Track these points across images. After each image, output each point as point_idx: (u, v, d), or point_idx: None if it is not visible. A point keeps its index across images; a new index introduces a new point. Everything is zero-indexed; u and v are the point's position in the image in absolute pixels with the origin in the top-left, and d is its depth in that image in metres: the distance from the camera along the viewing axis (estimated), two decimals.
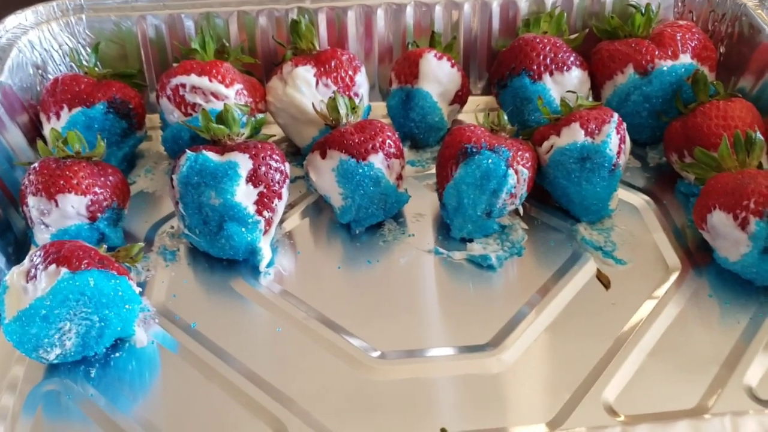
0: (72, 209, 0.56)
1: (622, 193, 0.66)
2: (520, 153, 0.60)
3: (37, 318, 0.49)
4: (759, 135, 0.58)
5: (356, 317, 0.56)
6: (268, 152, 0.59)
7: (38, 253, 0.51)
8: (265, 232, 0.59)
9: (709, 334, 0.54)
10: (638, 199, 0.66)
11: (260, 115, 0.63)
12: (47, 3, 0.71)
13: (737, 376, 0.51)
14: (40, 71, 0.69)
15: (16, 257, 0.60)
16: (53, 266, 0.50)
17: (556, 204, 0.65)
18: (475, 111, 0.71)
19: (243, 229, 0.58)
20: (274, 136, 0.65)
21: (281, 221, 0.64)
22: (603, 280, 0.59)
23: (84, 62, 0.69)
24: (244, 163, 0.57)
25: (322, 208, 0.66)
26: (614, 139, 0.60)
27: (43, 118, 0.66)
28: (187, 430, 0.49)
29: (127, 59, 0.73)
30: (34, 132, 0.67)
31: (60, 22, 0.71)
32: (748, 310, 0.56)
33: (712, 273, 0.59)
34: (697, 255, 0.60)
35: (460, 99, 0.71)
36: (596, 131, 0.60)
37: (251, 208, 0.58)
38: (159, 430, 0.49)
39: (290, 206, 0.66)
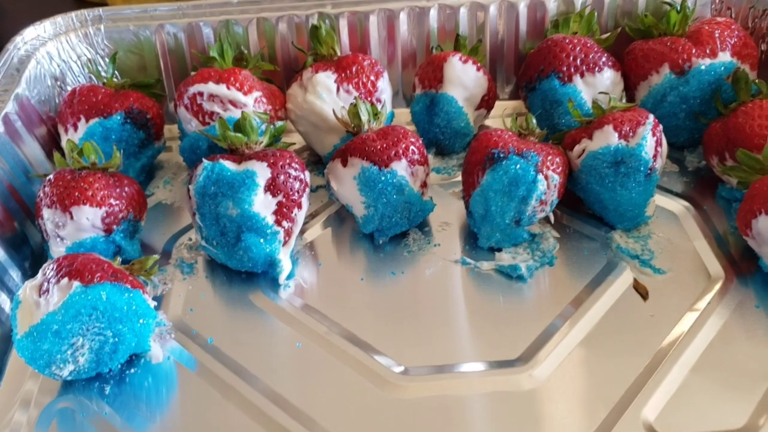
0: (87, 221, 0.55)
1: (660, 199, 0.63)
2: (550, 158, 0.57)
3: (48, 333, 0.47)
4: None
5: (380, 332, 0.53)
6: (287, 160, 0.57)
7: (51, 266, 0.50)
8: (285, 243, 0.57)
9: (756, 348, 0.50)
10: (677, 205, 0.63)
11: (279, 123, 0.61)
12: (66, 14, 0.70)
13: None
14: (58, 83, 0.68)
15: (32, 271, 0.59)
16: (65, 280, 0.48)
17: (590, 211, 0.61)
18: (502, 116, 0.69)
19: (261, 240, 0.56)
20: (294, 144, 0.63)
21: (302, 232, 0.62)
22: (640, 290, 0.55)
23: (102, 73, 0.68)
24: (262, 172, 0.56)
25: (345, 218, 0.64)
26: (650, 141, 0.57)
27: (61, 129, 0.65)
28: None
29: (146, 69, 0.72)
30: (51, 144, 0.65)
31: (78, 33, 0.70)
32: None
33: (758, 282, 0.55)
34: (742, 264, 0.57)
35: (486, 104, 0.68)
36: (631, 134, 0.57)
37: (270, 219, 0.56)
38: None
39: (311, 216, 0.64)
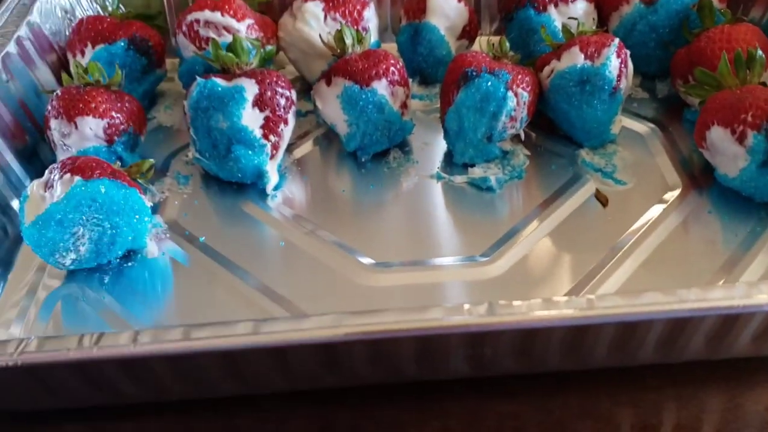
0: (90, 131, 0.60)
1: (628, 122, 0.67)
2: (520, 77, 0.61)
3: (52, 222, 0.52)
4: (760, 52, 0.58)
5: (358, 233, 0.58)
6: (274, 78, 0.61)
7: (56, 166, 0.55)
8: (272, 156, 0.62)
9: (705, 247, 0.54)
10: (644, 128, 0.66)
11: (270, 47, 0.65)
12: None
13: (731, 281, 0.51)
14: (68, 15, 0.73)
15: None
16: (68, 175, 0.53)
17: (560, 132, 0.65)
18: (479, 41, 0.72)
19: (250, 152, 0.60)
20: (283, 68, 0.67)
21: (291, 150, 0.66)
22: (601, 198, 0.59)
23: (108, 6, 0.73)
24: (250, 88, 0.60)
25: (332, 139, 0.68)
26: (614, 62, 0.60)
27: (69, 56, 0.70)
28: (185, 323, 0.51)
29: (150, 6, 0.76)
30: (61, 71, 0.70)
31: None
32: (747, 224, 0.56)
33: (714, 192, 0.59)
34: (700, 177, 0.61)
35: (468, 34, 0.72)
36: (596, 54, 0.61)
37: (258, 132, 0.60)
38: (173, 326, 0.51)
39: (301, 137, 0.68)
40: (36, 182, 0.55)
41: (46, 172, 0.55)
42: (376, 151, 0.65)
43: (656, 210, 0.57)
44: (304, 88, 0.74)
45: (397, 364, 0.43)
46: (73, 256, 0.54)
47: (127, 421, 0.46)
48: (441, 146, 0.66)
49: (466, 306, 0.40)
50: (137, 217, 0.55)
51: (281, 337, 0.37)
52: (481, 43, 0.76)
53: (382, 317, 0.39)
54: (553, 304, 0.40)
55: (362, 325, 0.38)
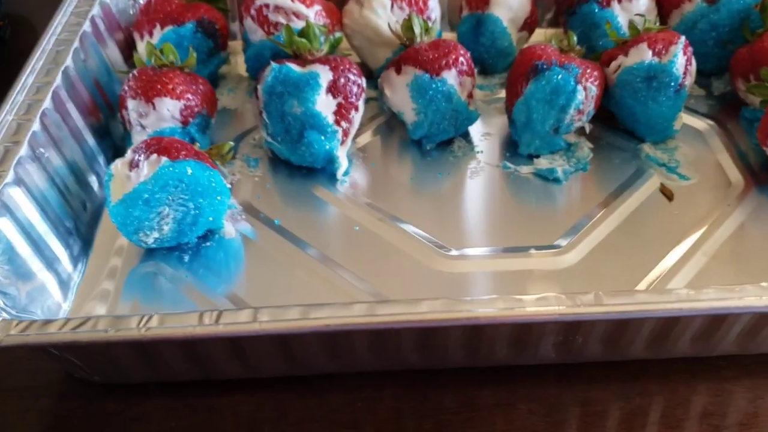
0: (167, 112, 0.61)
1: (687, 118, 0.68)
2: (588, 71, 0.62)
3: (139, 201, 0.53)
4: None
5: (428, 220, 0.59)
6: (347, 66, 0.62)
7: (140, 146, 0.56)
8: (343, 142, 0.63)
9: None
10: (702, 124, 0.68)
11: (338, 34, 0.66)
12: None
13: None
14: None
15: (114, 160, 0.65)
16: (155, 155, 0.54)
17: (622, 127, 0.67)
18: (545, 37, 0.73)
19: (322, 138, 0.61)
20: (350, 54, 0.68)
21: (354, 138, 0.68)
22: (666, 192, 0.61)
23: None
24: (324, 74, 0.61)
25: (394, 127, 0.69)
26: (681, 59, 0.62)
27: (136, 36, 0.70)
28: (269, 302, 0.52)
29: None
30: (128, 51, 0.71)
31: None
32: None
33: None
34: (761, 174, 0.62)
35: (529, 26, 0.73)
36: (663, 51, 0.62)
37: (330, 118, 0.61)
38: (245, 303, 0.53)
39: (362, 125, 0.69)
40: (120, 161, 0.56)
41: (129, 151, 0.56)
42: (442, 139, 0.66)
43: (720, 205, 0.59)
44: (366, 75, 0.75)
45: (491, 348, 0.44)
46: (156, 234, 0.55)
47: (223, 396, 0.48)
48: (503, 136, 0.67)
49: (567, 296, 0.41)
50: (219, 198, 0.56)
51: (397, 318, 0.39)
52: (538, 35, 0.78)
53: (492, 305, 0.40)
54: (652, 296, 0.41)
55: (474, 312, 0.39)
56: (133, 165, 0.55)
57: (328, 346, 0.42)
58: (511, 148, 0.66)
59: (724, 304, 0.40)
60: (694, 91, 0.72)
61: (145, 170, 0.54)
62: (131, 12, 0.73)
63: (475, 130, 0.68)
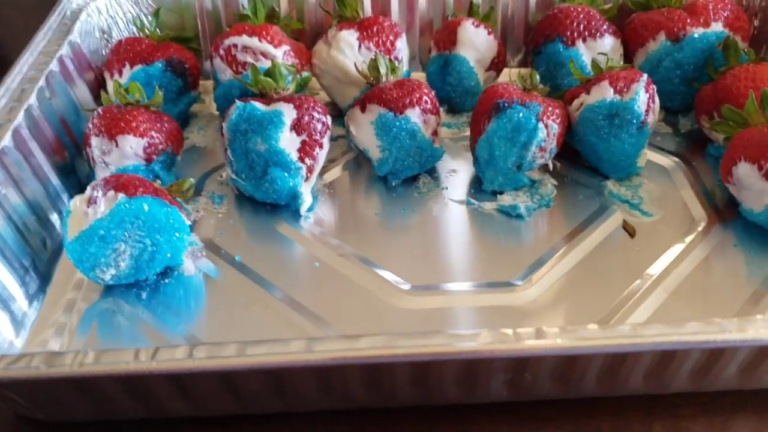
0: (130, 149, 0.61)
1: (652, 155, 0.68)
2: (550, 109, 0.62)
3: (95, 238, 0.53)
4: None
5: (389, 256, 0.59)
6: (312, 104, 0.63)
7: (99, 183, 0.56)
8: (307, 178, 0.63)
9: (731, 280, 0.56)
10: (668, 161, 0.68)
11: (305, 74, 0.67)
12: None
13: (759, 312, 0.52)
14: (105, 35, 0.75)
15: None
16: (112, 192, 0.54)
17: (587, 164, 0.67)
18: (510, 76, 0.74)
19: (286, 174, 0.61)
20: (317, 94, 0.69)
21: (322, 174, 0.68)
22: (628, 229, 0.61)
23: (146, 27, 0.75)
24: (288, 112, 0.61)
25: (362, 164, 0.69)
26: (642, 97, 0.62)
27: (106, 75, 0.71)
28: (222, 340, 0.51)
29: (185, 29, 0.78)
30: (98, 90, 0.72)
31: None
32: None
33: (739, 226, 0.60)
34: (725, 211, 0.62)
35: (496, 66, 0.74)
36: (625, 89, 0.62)
37: (294, 155, 0.62)
38: (199, 341, 0.52)
39: (331, 161, 0.70)
40: (78, 198, 0.56)
41: (89, 188, 0.56)
42: (407, 176, 0.66)
43: (682, 242, 0.59)
44: (335, 114, 0.75)
45: (439, 386, 0.44)
46: (113, 271, 0.55)
47: None
48: (468, 173, 0.68)
49: (512, 331, 0.41)
50: (177, 234, 0.56)
51: (335, 355, 0.38)
52: (506, 75, 0.79)
53: (431, 340, 0.40)
54: (597, 332, 0.41)
55: (413, 347, 0.39)
56: (91, 201, 0.55)
57: (271, 383, 0.42)
58: (476, 185, 0.66)
59: (667, 339, 0.39)
60: (661, 129, 0.72)
61: (102, 207, 0.54)
62: (103, 52, 0.74)
63: (442, 166, 0.69)
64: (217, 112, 0.75)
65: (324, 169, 0.69)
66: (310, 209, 0.64)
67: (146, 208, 0.54)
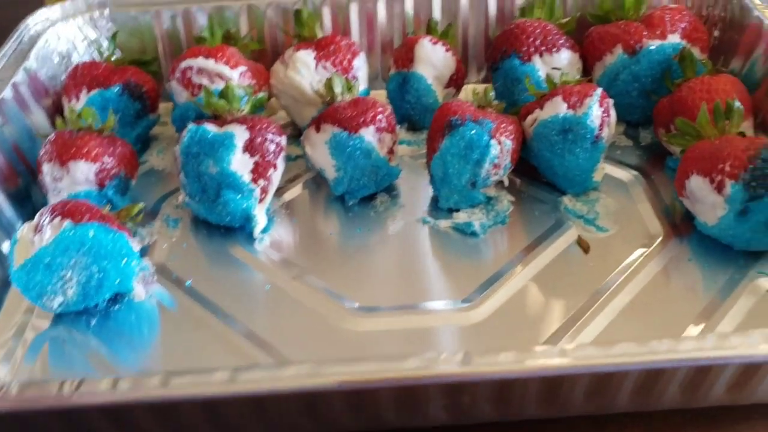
0: (81, 175, 0.61)
1: (611, 169, 0.68)
2: (503, 125, 0.62)
3: (41, 266, 0.53)
4: (738, 103, 0.59)
5: (344, 277, 0.58)
6: (265, 125, 0.62)
7: (47, 209, 0.56)
8: (261, 200, 0.63)
9: (685, 294, 0.55)
10: (627, 175, 0.67)
11: (261, 94, 0.67)
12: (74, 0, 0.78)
13: (708, 330, 0.51)
14: (65, 60, 0.75)
15: None
16: (58, 219, 0.54)
17: (544, 179, 0.66)
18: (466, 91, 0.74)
19: (239, 196, 0.61)
20: (274, 115, 0.69)
21: (281, 193, 0.67)
22: (583, 245, 0.60)
23: (105, 51, 0.75)
24: (240, 134, 0.61)
25: (321, 183, 0.69)
26: (596, 111, 0.62)
27: (64, 101, 0.71)
28: (166, 367, 0.51)
29: (146, 51, 0.78)
30: (56, 116, 0.72)
31: (84, 16, 0.77)
32: (726, 272, 0.56)
33: (694, 240, 0.60)
34: (681, 225, 0.61)
35: (455, 83, 0.74)
36: (578, 104, 0.62)
37: (247, 177, 0.61)
38: (152, 373, 0.51)
39: (290, 180, 0.69)
40: (26, 225, 0.56)
41: (37, 215, 0.56)
42: (364, 195, 0.66)
43: (637, 257, 0.58)
44: (296, 134, 0.75)
45: (377, 412, 0.43)
46: (60, 299, 0.55)
47: None
48: (427, 191, 0.67)
49: (443, 356, 0.40)
50: (125, 260, 0.56)
51: (258, 386, 0.38)
52: (468, 91, 0.78)
53: (359, 366, 0.39)
54: (527, 355, 0.40)
55: (339, 375, 0.38)
56: (38, 229, 0.55)
57: (202, 413, 0.41)
58: (434, 203, 0.66)
59: (598, 362, 0.39)
60: (621, 142, 0.72)
61: (48, 234, 0.54)
62: (63, 78, 0.74)
63: (400, 184, 0.68)
64: (177, 135, 0.75)
65: (283, 189, 0.68)
66: (264, 231, 0.63)
67: (91, 234, 0.54)
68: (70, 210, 0.55)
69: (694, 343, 0.40)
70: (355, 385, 0.39)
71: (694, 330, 0.52)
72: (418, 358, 0.40)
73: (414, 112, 0.73)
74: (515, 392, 0.42)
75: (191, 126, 0.62)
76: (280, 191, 0.68)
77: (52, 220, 0.54)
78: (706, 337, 0.40)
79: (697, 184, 0.57)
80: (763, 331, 0.42)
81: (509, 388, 0.42)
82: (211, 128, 0.62)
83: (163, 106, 0.77)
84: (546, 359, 0.40)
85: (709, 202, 0.57)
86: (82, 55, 0.77)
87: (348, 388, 0.39)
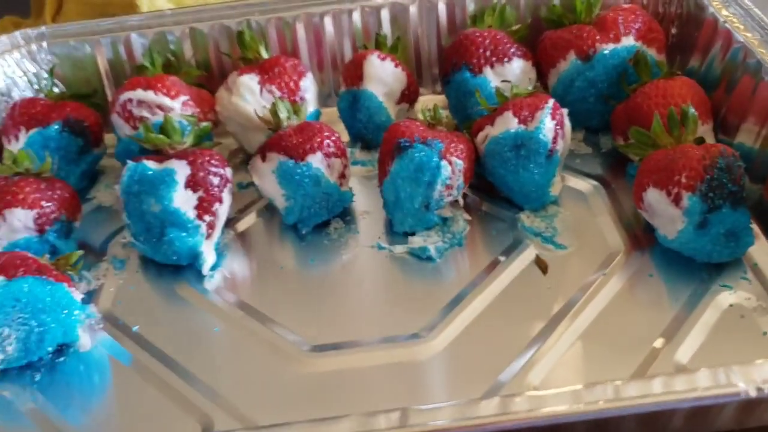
0: (19, 223, 0.59)
1: (571, 180, 0.66)
2: (453, 145, 0.60)
3: None
4: (692, 109, 0.57)
5: (292, 314, 0.56)
6: (207, 158, 0.60)
7: None
8: (208, 236, 0.61)
9: (645, 314, 0.53)
10: (587, 185, 0.65)
11: (205, 123, 0.64)
12: (11, 33, 0.75)
13: (668, 354, 0.50)
14: (4, 98, 0.72)
15: None
16: None
17: (502, 195, 0.64)
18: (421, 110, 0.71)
19: (184, 234, 0.59)
20: (220, 144, 0.67)
21: (233, 224, 0.65)
22: (541, 265, 0.58)
23: (43, 87, 0.72)
24: (181, 170, 0.59)
25: (274, 211, 0.67)
26: (548, 124, 0.60)
27: (4, 141, 0.69)
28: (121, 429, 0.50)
29: (90, 82, 0.76)
30: None
31: (22, 50, 0.74)
32: (689, 286, 0.55)
33: (656, 253, 0.58)
34: (643, 238, 0.59)
35: (407, 98, 0.71)
36: (529, 118, 0.60)
37: (191, 213, 0.59)
38: (88, 422, 0.50)
39: (242, 210, 0.67)
40: None
41: None
42: (316, 222, 0.64)
43: (597, 275, 0.56)
44: (246, 159, 0.73)
45: None
46: (0, 356, 0.53)
47: None
48: (383, 214, 0.65)
49: (383, 416, 0.38)
50: (65, 312, 0.54)
51: None
52: (423, 104, 0.76)
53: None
54: (467, 409, 0.38)
55: None
56: None
57: None
58: (389, 227, 0.64)
59: (534, 414, 0.37)
60: (581, 150, 0.69)
61: None
62: (3, 116, 0.72)
63: (354, 209, 0.66)
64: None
65: (236, 219, 0.66)
66: (214, 267, 0.61)
67: (26, 288, 0.52)
68: (3, 265, 0.53)
69: (638, 388, 0.38)
70: None
71: (657, 348, 0.50)
72: (354, 420, 0.38)
73: (367, 131, 0.71)
74: None
75: (130, 164, 0.60)
76: (232, 221, 0.66)
77: None
78: (651, 382, 0.38)
79: (654, 197, 0.55)
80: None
81: None
82: (151, 165, 0.60)
83: (111, 137, 0.75)
84: (483, 415, 0.38)
85: (668, 215, 0.55)
86: (23, 90, 0.74)
87: None
